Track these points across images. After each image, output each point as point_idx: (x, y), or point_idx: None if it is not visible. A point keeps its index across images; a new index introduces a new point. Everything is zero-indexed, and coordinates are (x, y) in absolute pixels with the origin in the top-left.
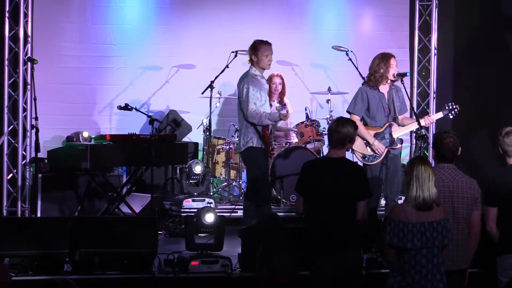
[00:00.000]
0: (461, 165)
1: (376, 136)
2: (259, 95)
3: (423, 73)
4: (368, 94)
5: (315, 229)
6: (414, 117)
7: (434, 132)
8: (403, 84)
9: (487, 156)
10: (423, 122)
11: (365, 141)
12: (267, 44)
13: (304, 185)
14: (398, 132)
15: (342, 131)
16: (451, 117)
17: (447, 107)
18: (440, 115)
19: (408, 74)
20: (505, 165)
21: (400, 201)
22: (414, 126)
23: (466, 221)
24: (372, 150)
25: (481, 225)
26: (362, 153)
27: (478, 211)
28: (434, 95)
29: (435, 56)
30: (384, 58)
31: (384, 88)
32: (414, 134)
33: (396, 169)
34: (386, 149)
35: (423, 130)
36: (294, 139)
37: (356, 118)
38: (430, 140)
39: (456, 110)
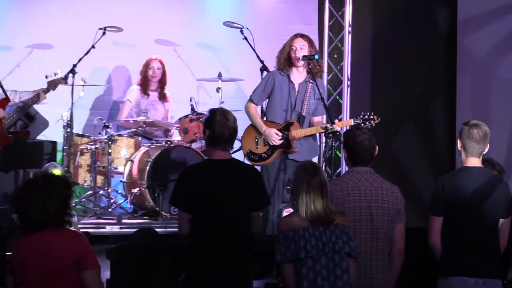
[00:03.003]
0: (379, 168)
1: None
2: None
3: (335, 56)
4: (275, 80)
5: (201, 247)
6: (326, 114)
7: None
8: (310, 68)
9: (411, 156)
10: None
11: (255, 136)
12: None
13: (185, 197)
14: (296, 134)
15: (233, 126)
16: (363, 126)
17: (362, 116)
18: (350, 123)
19: (316, 56)
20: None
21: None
22: (317, 130)
23: (387, 237)
24: (264, 143)
25: (405, 240)
26: (250, 149)
27: (402, 224)
28: (348, 82)
29: (350, 35)
30: (290, 38)
31: (296, 78)
32: (324, 130)
33: None
34: (280, 150)
35: (334, 126)
36: (176, 136)
37: (252, 107)
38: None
39: (372, 121)
